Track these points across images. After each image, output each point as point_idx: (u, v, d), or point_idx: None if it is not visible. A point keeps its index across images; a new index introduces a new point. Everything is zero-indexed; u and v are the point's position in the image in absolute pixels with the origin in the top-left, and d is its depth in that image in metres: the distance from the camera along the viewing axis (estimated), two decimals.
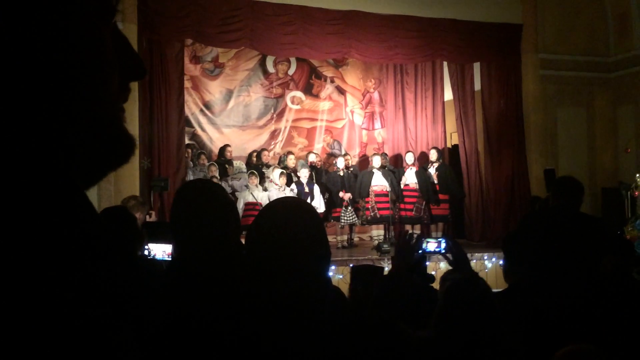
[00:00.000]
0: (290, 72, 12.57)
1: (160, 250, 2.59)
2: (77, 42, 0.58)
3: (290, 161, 10.77)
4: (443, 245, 2.71)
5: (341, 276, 7.82)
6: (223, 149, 11.00)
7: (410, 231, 7.58)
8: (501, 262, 9.06)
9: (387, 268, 8.29)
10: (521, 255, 4.10)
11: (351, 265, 7.51)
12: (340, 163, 10.78)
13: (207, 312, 1.58)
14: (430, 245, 2.76)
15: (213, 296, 1.65)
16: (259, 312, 1.48)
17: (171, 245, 2.55)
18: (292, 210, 1.67)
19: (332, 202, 10.53)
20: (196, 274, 1.79)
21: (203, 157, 10.38)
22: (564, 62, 11.16)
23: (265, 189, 9.82)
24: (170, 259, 2.52)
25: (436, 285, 3.12)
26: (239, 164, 10.93)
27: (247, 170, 10.25)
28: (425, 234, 10.26)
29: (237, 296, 1.57)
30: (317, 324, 1.49)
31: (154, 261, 2.56)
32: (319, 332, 1.48)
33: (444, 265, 8.71)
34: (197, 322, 1.56)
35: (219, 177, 9.88)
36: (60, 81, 0.57)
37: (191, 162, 10.50)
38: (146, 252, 2.56)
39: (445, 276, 3.41)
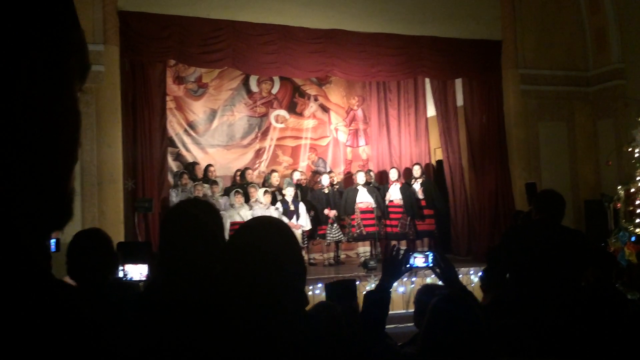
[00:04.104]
0: (274, 91, 12.61)
1: (137, 272, 2.56)
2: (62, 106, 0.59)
3: (275, 179, 10.77)
4: (430, 258, 2.70)
5: None
6: (205, 169, 10.99)
7: (397, 245, 7.60)
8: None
9: (373, 285, 8.28)
10: (505, 269, 4.12)
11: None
12: (325, 180, 10.79)
13: (183, 335, 1.57)
14: (418, 259, 2.74)
15: (190, 318, 1.64)
16: (235, 330, 1.48)
17: (147, 266, 2.53)
18: (266, 228, 1.68)
19: (318, 220, 10.53)
20: (173, 296, 1.78)
21: (185, 177, 10.33)
22: (544, 77, 11.31)
23: (250, 208, 9.80)
24: (145, 279, 2.51)
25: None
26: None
27: (233, 189, 10.23)
28: (412, 250, 10.27)
29: (215, 316, 1.56)
30: (295, 340, 1.49)
31: (129, 284, 2.53)
32: (299, 348, 1.48)
33: (430, 281, 8.72)
34: (174, 345, 1.55)
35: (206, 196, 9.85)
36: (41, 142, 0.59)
37: (171, 181, 10.47)
38: (121, 274, 2.54)
39: (424, 290, 3.40)
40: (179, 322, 1.58)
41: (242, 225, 1.80)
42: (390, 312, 2.50)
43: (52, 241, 4.51)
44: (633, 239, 8.80)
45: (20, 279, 0.58)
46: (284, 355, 1.45)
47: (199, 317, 1.53)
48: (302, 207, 10.10)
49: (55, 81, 0.60)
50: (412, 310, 8.78)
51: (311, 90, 12.88)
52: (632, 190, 9.41)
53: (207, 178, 10.71)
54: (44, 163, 0.59)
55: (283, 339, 1.47)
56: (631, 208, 9.41)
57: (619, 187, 9.69)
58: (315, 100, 12.93)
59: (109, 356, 0.60)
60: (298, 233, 9.52)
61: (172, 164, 11.37)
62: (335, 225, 10.45)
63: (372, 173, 11.51)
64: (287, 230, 1.73)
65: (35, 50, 0.58)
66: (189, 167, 11.20)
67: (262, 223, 1.76)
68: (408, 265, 2.63)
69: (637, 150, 9.51)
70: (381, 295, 2.48)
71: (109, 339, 0.63)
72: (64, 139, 0.61)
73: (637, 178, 9.39)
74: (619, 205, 9.63)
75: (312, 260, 10.87)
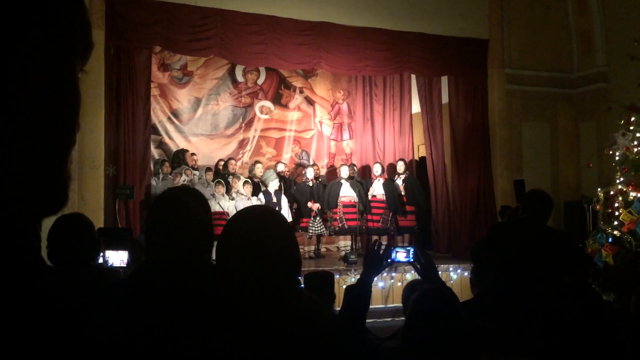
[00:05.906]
0: (260, 81, 12.55)
1: (117, 258, 2.53)
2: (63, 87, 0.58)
3: (259, 170, 10.74)
4: (412, 254, 2.71)
5: None
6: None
7: (378, 240, 7.62)
8: (466, 273, 9.16)
9: (353, 279, 8.31)
10: (488, 265, 4.15)
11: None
12: (310, 173, 10.78)
13: (169, 322, 1.55)
14: (399, 254, 2.75)
15: (177, 305, 1.62)
16: (228, 319, 1.47)
17: (127, 253, 2.50)
18: (262, 217, 1.66)
19: (300, 213, 10.52)
20: (162, 283, 1.76)
21: (167, 164, 10.26)
22: (529, 77, 11.38)
23: (232, 198, 9.76)
24: (125, 265, 2.48)
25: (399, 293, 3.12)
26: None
27: (214, 180, 10.18)
28: (393, 245, 10.30)
29: (203, 305, 1.54)
30: (286, 331, 1.48)
31: (110, 270, 2.50)
32: (288, 338, 1.47)
33: (409, 276, 8.77)
34: (157, 332, 1.53)
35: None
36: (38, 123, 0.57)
37: (152, 168, 10.41)
38: (101, 260, 2.51)
39: (410, 286, 3.42)
40: (169, 311, 1.56)
41: (238, 213, 1.77)
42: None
43: None
44: (610, 240, 8.91)
45: (14, 264, 0.56)
46: (277, 344, 1.44)
47: (191, 306, 1.52)
48: (284, 200, 10.09)
49: (55, 60, 0.58)
50: (391, 305, 8.82)
51: (297, 82, 12.85)
52: (612, 192, 9.51)
53: (194, 166, 10.68)
54: (41, 146, 0.57)
55: (277, 330, 1.46)
56: (610, 210, 9.50)
57: (599, 190, 9.79)
58: (301, 92, 12.90)
59: (99, 343, 0.59)
60: None
61: (155, 152, 11.28)
62: (318, 218, 10.45)
63: (355, 167, 11.52)
64: (284, 221, 1.72)
65: (36, 28, 0.56)
66: (179, 155, 11.11)
67: (260, 213, 1.74)
68: (389, 260, 2.63)
69: (617, 154, 9.61)
70: (362, 290, 2.48)
71: (99, 325, 0.62)
72: (62, 120, 0.59)
73: (617, 181, 9.49)
74: (598, 207, 9.72)
75: None
